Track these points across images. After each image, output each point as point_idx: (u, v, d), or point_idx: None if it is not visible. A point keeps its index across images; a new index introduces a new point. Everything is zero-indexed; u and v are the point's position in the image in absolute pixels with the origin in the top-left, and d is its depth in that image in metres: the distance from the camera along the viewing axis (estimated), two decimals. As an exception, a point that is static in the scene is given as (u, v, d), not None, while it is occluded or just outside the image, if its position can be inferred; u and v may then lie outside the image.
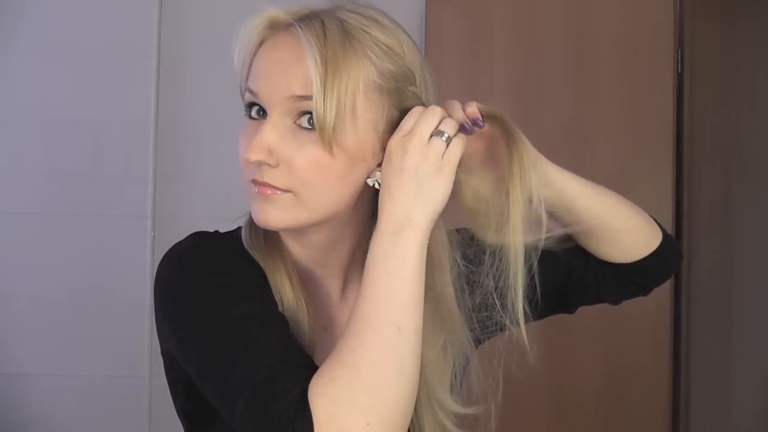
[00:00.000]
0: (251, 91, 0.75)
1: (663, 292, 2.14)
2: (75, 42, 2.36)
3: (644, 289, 0.98)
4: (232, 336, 0.69)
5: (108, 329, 2.30)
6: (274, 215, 0.74)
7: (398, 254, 0.69)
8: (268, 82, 0.73)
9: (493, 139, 0.81)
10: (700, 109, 2.19)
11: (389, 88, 0.74)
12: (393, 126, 0.75)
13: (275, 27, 0.76)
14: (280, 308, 0.77)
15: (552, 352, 2.15)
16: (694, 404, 2.15)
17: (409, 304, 0.68)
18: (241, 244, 0.80)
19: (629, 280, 0.95)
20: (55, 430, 2.32)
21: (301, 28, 0.72)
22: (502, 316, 0.78)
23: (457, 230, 0.84)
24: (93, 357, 2.31)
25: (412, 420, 0.74)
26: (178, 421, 0.85)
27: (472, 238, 0.82)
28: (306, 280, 0.83)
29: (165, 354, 0.80)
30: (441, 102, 0.78)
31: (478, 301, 0.81)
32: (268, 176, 0.73)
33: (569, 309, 0.98)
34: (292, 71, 0.72)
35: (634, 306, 2.31)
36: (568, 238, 0.93)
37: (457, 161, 0.73)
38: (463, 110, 0.77)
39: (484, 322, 0.83)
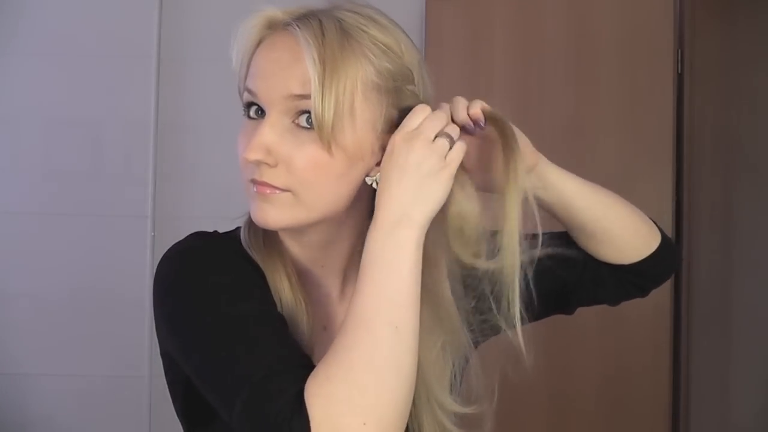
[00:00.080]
0: (250, 91, 0.75)
1: (663, 292, 2.14)
2: (75, 42, 2.36)
3: (642, 291, 0.98)
4: (230, 336, 0.69)
5: (108, 329, 2.30)
6: (273, 215, 0.74)
7: (395, 251, 0.69)
8: (266, 81, 0.73)
9: (487, 140, 0.81)
10: (700, 109, 2.19)
11: (387, 87, 0.74)
12: (391, 125, 0.76)
13: (273, 27, 0.76)
14: (279, 308, 0.77)
15: (552, 352, 2.15)
16: (694, 404, 2.15)
17: (405, 303, 0.68)
18: (240, 244, 0.80)
19: (627, 281, 0.95)
20: (55, 430, 2.32)
21: (299, 28, 0.72)
22: (498, 320, 0.78)
23: None
24: (93, 357, 2.31)
25: (410, 419, 0.74)
26: (178, 421, 0.85)
27: None
28: (305, 280, 0.83)
29: (164, 354, 0.80)
30: (446, 99, 0.78)
31: (473, 305, 0.81)
32: (267, 176, 0.73)
33: (568, 310, 0.98)
34: (291, 71, 0.72)
35: (634, 306, 2.31)
36: (567, 238, 0.93)
37: (458, 165, 0.73)
38: (468, 109, 0.77)
39: (480, 325, 0.82)
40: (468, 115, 0.77)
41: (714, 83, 2.22)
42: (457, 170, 0.74)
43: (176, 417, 0.85)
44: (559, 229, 0.94)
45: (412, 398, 0.67)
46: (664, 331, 2.16)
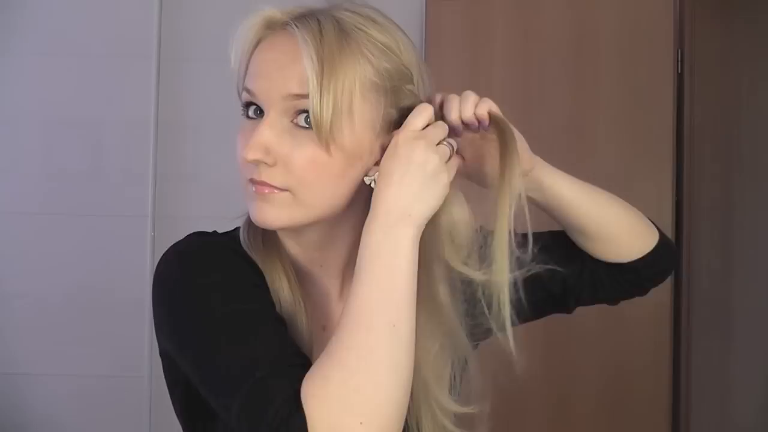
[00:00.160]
0: (248, 91, 0.75)
1: (663, 292, 2.14)
2: (75, 42, 2.36)
3: (641, 289, 0.98)
4: (228, 336, 0.69)
5: (108, 329, 2.30)
6: (272, 214, 0.74)
7: (394, 248, 0.69)
8: (265, 81, 0.73)
9: (487, 136, 0.81)
10: (700, 109, 2.19)
11: (386, 87, 0.74)
12: (390, 125, 0.76)
13: (272, 26, 0.76)
14: (278, 308, 0.77)
15: (552, 352, 2.15)
16: (694, 404, 2.15)
17: (403, 301, 0.68)
18: (240, 243, 0.80)
19: (625, 280, 0.95)
20: (55, 430, 2.31)
21: (297, 27, 0.72)
22: (489, 322, 0.78)
23: None
24: (93, 357, 2.31)
25: (409, 418, 0.74)
26: (178, 421, 0.85)
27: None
28: (304, 280, 0.83)
29: (164, 354, 0.80)
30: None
31: (465, 308, 0.81)
32: (266, 175, 0.73)
33: (567, 309, 0.99)
34: (289, 70, 0.72)
35: (634, 306, 2.31)
36: (565, 238, 0.94)
37: (454, 172, 0.75)
38: (476, 107, 0.77)
39: (473, 329, 0.82)
40: (474, 113, 0.77)
41: (714, 83, 2.22)
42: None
43: (176, 417, 0.85)
44: (557, 228, 0.94)
45: (409, 397, 0.67)
46: (664, 331, 2.16)
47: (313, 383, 0.63)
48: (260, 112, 0.75)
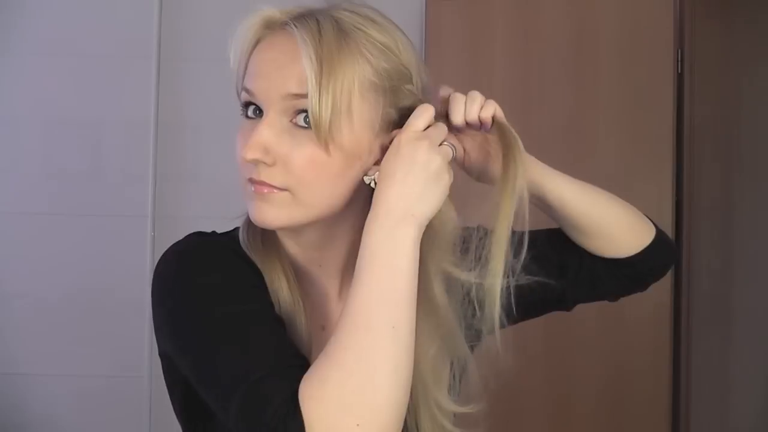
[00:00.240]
0: (247, 91, 0.75)
1: (663, 292, 2.14)
2: (75, 42, 2.36)
3: (640, 284, 0.98)
4: (227, 337, 0.69)
5: (108, 329, 2.30)
6: (271, 214, 0.74)
7: (396, 248, 0.69)
8: (264, 81, 0.73)
9: (488, 138, 0.82)
10: (700, 109, 2.19)
11: (385, 86, 0.74)
12: (389, 125, 0.76)
13: (271, 26, 0.76)
14: (277, 308, 0.77)
15: (552, 352, 2.16)
16: (694, 404, 2.15)
17: (403, 301, 0.67)
18: (239, 243, 0.80)
19: (624, 275, 0.95)
20: (55, 430, 2.31)
21: (296, 27, 0.72)
22: (480, 324, 0.78)
23: None
24: (93, 357, 2.31)
25: (408, 419, 0.74)
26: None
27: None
28: (303, 280, 0.83)
29: (163, 355, 0.80)
30: (462, 92, 0.79)
31: (463, 308, 0.81)
32: (265, 175, 0.73)
33: (566, 307, 0.98)
34: (288, 70, 0.72)
35: (634, 306, 2.32)
36: (562, 235, 0.94)
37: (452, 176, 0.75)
38: (480, 109, 0.78)
39: (466, 331, 0.82)
40: (479, 116, 0.78)
41: (714, 83, 2.21)
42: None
43: (176, 417, 0.85)
44: (552, 226, 0.94)
45: (408, 399, 0.66)
46: (664, 331, 2.16)
47: (311, 384, 0.63)
48: (259, 111, 0.75)
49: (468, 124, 0.78)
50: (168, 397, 0.84)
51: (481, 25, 2.27)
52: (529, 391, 2.15)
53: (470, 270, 0.78)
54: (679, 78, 2.20)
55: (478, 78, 2.22)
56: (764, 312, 2.13)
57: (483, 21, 2.27)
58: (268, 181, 0.73)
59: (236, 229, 0.83)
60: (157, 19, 2.36)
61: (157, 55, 2.36)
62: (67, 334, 2.31)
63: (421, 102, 0.77)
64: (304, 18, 0.73)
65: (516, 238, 0.78)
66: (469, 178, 0.85)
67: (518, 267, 0.78)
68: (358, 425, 0.62)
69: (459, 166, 0.79)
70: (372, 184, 0.76)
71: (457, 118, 0.78)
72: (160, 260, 0.77)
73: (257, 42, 0.76)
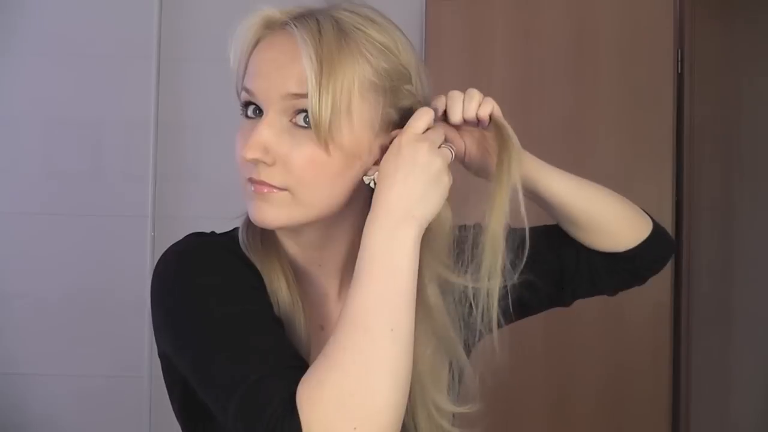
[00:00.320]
0: (247, 90, 0.75)
1: (663, 292, 2.14)
2: (75, 42, 2.36)
3: (638, 278, 0.98)
4: (225, 338, 0.69)
5: (108, 329, 2.30)
6: (271, 213, 0.74)
7: (396, 250, 0.68)
8: (264, 80, 0.73)
9: (485, 134, 0.82)
10: (700, 109, 2.19)
11: (385, 86, 0.74)
12: (389, 125, 0.76)
13: (271, 26, 0.76)
14: (276, 308, 0.77)
15: (552, 352, 2.16)
16: (694, 404, 2.15)
17: (403, 303, 0.67)
18: (238, 244, 0.80)
19: (622, 269, 0.95)
20: (55, 430, 2.31)
21: (296, 27, 0.72)
22: (477, 323, 0.78)
23: None
24: (93, 357, 2.31)
25: (407, 419, 0.74)
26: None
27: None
28: (303, 280, 0.83)
29: (162, 355, 0.80)
30: (457, 84, 0.80)
31: (460, 309, 0.81)
32: (265, 174, 0.73)
33: (565, 303, 0.98)
34: (288, 69, 0.72)
35: (634, 306, 2.32)
36: (559, 231, 0.94)
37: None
38: (479, 107, 0.78)
39: (463, 330, 0.82)
40: (477, 114, 0.78)
41: (714, 83, 2.22)
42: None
43: (175, 417, 0.85)
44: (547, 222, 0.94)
45: (406, 401, 0.66)
46: (664, 331, 2.16)
47: (309, 386, 0.63)
48: (259, 111, 0.75)
49: (466, 121, 0.79)
50: (168, 397, 0.84)
51: (481, 25, 2.27)
52: (529, 391, 2.15)
53: (465, 271, 0.78)
54: (679, 78, 2.20)
55: (478, 78, 2.22)
56: (764, 312, 2.13)
57: (483, 21, 2.27)
58: (267, 180, 0.73)
59: (235, 230, 0.83)
60: (157, 19, 2.36)
61: (157, 55, 2.36)
62: (67, 334, 2.31)
63: (420, 103, 0.78)
64: (304, 18, 0.73)
65: (517, 237, 0.78)
66: (467, 177, 0.85)
67: (519, 266, 0.78)
68: (355, 428, 0.62)
69: (459, 161, 0.79)
70: (371, 184, 0.76)
71: (455, 115, 0.78)
72: (159, 261, 0.77)
73: (257, 42, 0.76)
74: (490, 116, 0.79)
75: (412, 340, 0.67)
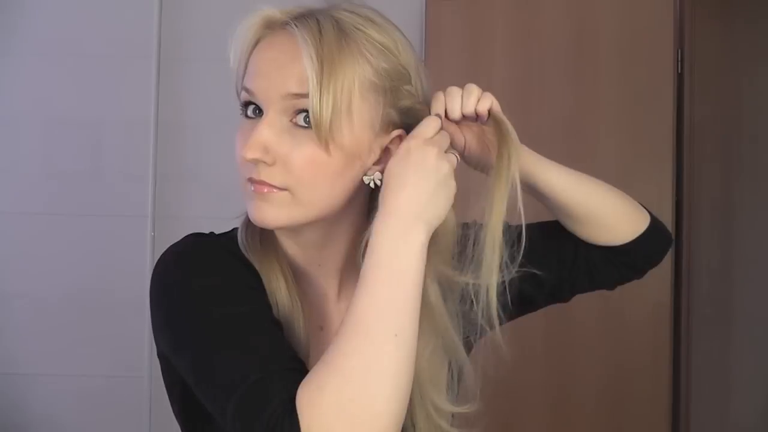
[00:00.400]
0: (247, 90, 0.75)
1: (663, 292, 2.14)
2: (75, 42, 2.36)
3: (637, 272, 0.98)
4: (224, 339, 0.69)
5: (108, 329, 2.30)
6: (271, 213, 0.74)
7: (406, 254, 0.68)
8: (264, 80, 0.73)
9: (483, 128, 0.82)
10: (700, 109, 2.19)
11: (385, 86, 0.74)
12: (389, 125, 0.76)
13: (271, 26, 0.76)
14: (275, 309, 0.77)
15: (552, 352, 2.15)
16: (694, 404, 2.15)
17: (408, 308, 0.67)
18: (237, 244, 0.80)
19: (620, 262, 0.95)
20: (55, 430, 2.32)
21: (296, 27, 0.72)
22: (479, 319, 0.78)
23: None
24: (93, 357, 2.31)
25: (405, 420, 0.74)
26: (177, 421, 0.85)
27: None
28: (302, 280, 0.83)
29: (161, 356, 0.80)
30: (457, 84, 0.80)
31: (459, 307, 0.81)
32: (265, 174, 0.73)
33: (564, 298, 0.98)
34: (288, 69, 0.72)
35: (634, 306, 2.32)
36: (558, 226, 0.94)
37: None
38: (477, 102, 0.78)
39: (463, 329, 0.82)
40: (475, 109, 0.78)
41: (714, 83, 2.21)
42: None
43: (175, 418, 0.85)
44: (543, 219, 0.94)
45: (407, 406, 0.66)
46: (664, 331, 2.16)
47: (309, 391, 0.63)
48: (259, 111, 0.75)
49: (464, 117, 0.79)
50: (167, 397, 0.84)
51: (481, 25, 2.27)
52: (529, 391, 2.15)
53: (466, 270, 0.78)
54: (679, 78, 2.19)
55: (478, 78, 2.18)
56: (764, 312, 2.13)
57: (483, 21, 2.27)
58: (267, 180, 0.73)
59: (234, 230, 0.83)
60: (157, 19, 2.36)
61: (157, 55, 2.36)
62: (67, 334, 2.31)
63: (420, 103, 0.78)
64: (305, 18, 0.73)
65: (514, 233, 0.78)
66: (467, 176, 0.85)
67: (516, 262, 0.78)
68: None
69: (458, 155, 0.79)
70: (371, 184, 0.76)
71: (454, 111, 0.78)
72: (158, 261, 0.77)
73: (257, 42, 0.76)
74: (489, 111, 0.79)
75: (415, 345, 0.67)
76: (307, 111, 0.71)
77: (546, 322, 2.09)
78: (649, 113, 2.19)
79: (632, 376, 2.16)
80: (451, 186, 0.73)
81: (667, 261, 2.11)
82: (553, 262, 0.93)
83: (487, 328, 0.79)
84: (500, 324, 0.78)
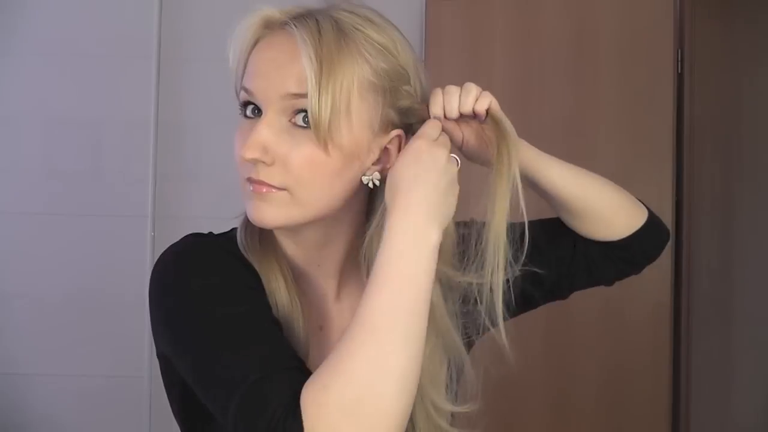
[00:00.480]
0: (246, 90, 0.75)
1: (663, 292, 2.14)
2: (75, 42, 2.36)
3: (635, 267, 0.98)
4: (224, 339, 0.69)
5: (108, 329, 2.30)
6: (270, 213, 0.74)
7: (418, 254, 0.68)
8: (263, 80, 0.73)
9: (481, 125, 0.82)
10: (699, 109, 2.19)
11: (384, 87, 0.74)
12: (388, 125, 0.76)
13: (270, 26, 0.76)
14: (274, 309, 0.77)
15: (552, 352, 2.15)
16: (694, 404, 2.15)
17: (418, 309, 0.67)
18: (236, 244, 0.80)
19: (618, 257, 0.95)
20: (55, 430, 2.32)
21: (296, 27, 0.72)
22: (482, 318, 0.78)
23: None
24: (93, 357, 2.31)
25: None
26: (176, 421, 0.85)
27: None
28: (301, 280, 0.83)
29: (161, 356, 0.79)
30: (459, 84, 0.80)
31: (458, 306, 0.81)
32: (264, 174, 0.73)
33: (563, 295, 0.99)
34: (287, 69, 0.72)
35: (634, 306, 2.31)
36: (558, 223, 0.94)
37: None
38: (476, 101, 0.79)
39: (465, 330, 0.82)
40: (473, 108, 0.78)
41: (714, 83, 2.21)
42: None
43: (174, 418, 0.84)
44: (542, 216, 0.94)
45: (412, 406, 0.66)
46: (664, 331, 2.16)
47: (315, 390, 0.63)
48: (258, 111, 0.75)
49: (462, 115, 0.79)
50: (167, 397, 0.84)
51: (481, 25, 2.27)
52: (529, 391, 2.15)
53: (469, 270, 0.78)
54: (679, 78, 2.19)
55: (478, 78, 2.18)
56: (764, 312, 2.13)
57: (483, 21, 2.27)
58: (266, 180, 0.73)
59: (233, 230, 0.83)
60: (157, 19, 2.36)
61: (157, 55, 2.36)
62: (67, 334, 2.31)
63: (419, 103, 0.78)
64: (304, 18, 0.73)
65: (517, 232, 0.78)
66: (467, 175, 0.85)
67: (520, 259, 0.78)
68: None
69: (456, 149, 0.80)
70: (370, 185, 0.76)
71: (452, 111, 0.78)
72: (157, 261, 0.77)
73: (256, 41, 0.76)
74: (487, 111, 0.79)
75: (423, 346, 0.67)
76: (306, 111, 0.71)
77: (546, 322, 2.09)
78: (649, 113, 2.19)
79: (632, 376, 2.16)
80: (457, 188, 0.74)
81: (667, 261, 2.13)
82: (553, 258, 0.93)
83: (490, 327, 0.79)
84: (504, 320, 0.78)
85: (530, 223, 0.78)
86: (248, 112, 0.76)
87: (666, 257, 2.12)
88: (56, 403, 2.31)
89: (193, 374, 0.71)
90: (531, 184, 0.88)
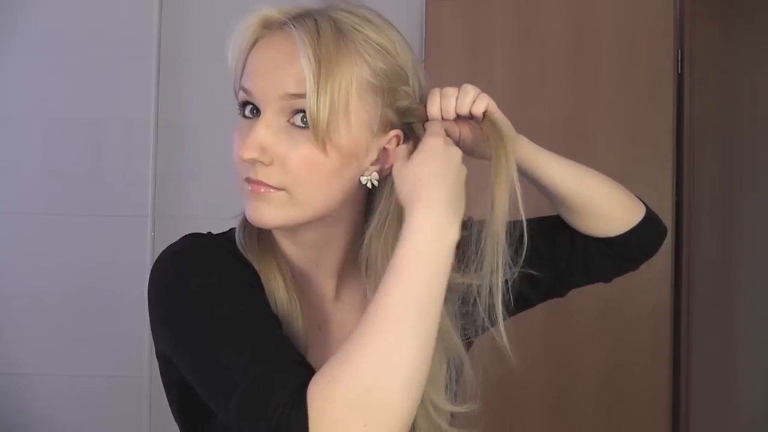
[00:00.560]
0: (245, 90, 0.75)
1: (663, 292, 2.14)
2: (75, 42, 2.36)
3: (632, 263, 0.98)
4: (224, 337, 0.69)
5: (108, 329, 2.30)
6: (268, 213, 0.74)
7: (439, 249, 0.68)
8: (261, 80, 0.73)
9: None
10: (699, 109, 2.19)
11: (383, 87, 0.74)
12: (387, 125, 0.76)
13: (269, 26, 0.76)
14: (273, 308, 0.77)
15: (552, 352, 2.15)
16: (694, 404, 2.15)
17: (431, 308, 0.66)
18: (235, 244, 0.80)
19: (616, 253, 0.95)
20: (55, 430, 2.32)
21: (294, 27, 0.72)
22: (481, 318, 0.78)
23: None
24: (93, 357, 2.31)
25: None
26: (176, 421, 0.85)
27: None
28: (300, 280, 0.83)
29: (160, 356, 0.79)
30: (457, 84, 0.80)
31: (458, 306, 0.81)
32: (262, 174, 0.73)
33: (561, 292, 0.99)
34: (286, 69, 0.72)
35: (634, 306, 2.32)
36: (558, 220, 0.95)
37: None
38: (473, 103, 0.79)
39: (464, 330, 0.82)
40: (470, 111, 0.79)
41: (714, 83, 2.21)
42: None
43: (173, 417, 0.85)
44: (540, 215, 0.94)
45: (419, 402, 0.65)
46: (664, 331, 2.16)
47: (323, 382, 0.62)
48: (257, 111, 0.75)
49: (459, 117, 0.79)
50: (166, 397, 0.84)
51: (481, 25, 2.27)
52: (529, 391, 2.15)
53: (467, 271, 0.78)
54: (679, 78, 2.19)
55: (478, 78, 2.19)
56: (764, 312, 2.13)
57: (483, 21, 2.27)
58: (265, 180, 0.73)
59: (232, 230, 0.83)
60: (157, 19, 2.36)
61: (157, 55, 2.36)
62: (67, 334, 2.31)
63: (418, 103, 0.78)
64: (303, 18, 0.73)
65: (516, 230, 0.78)
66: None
67: (520, 258, 0.78)
68: (365, 425, 0.61)
69: (454, 143, 0.79)
70: (369, 185, 0.76)
71: (449, 113, 0.78)
72: (156, 261, 0.77)
73: (255, 42, 0.76)
74: (485, 114, 0.79)
75: (433, 343, 0.66)
76: (304, 111, 0.71)
77: (546, 322, 2.09)
78: (649, 113, 2.19)
79: (632, 376, 2.16)
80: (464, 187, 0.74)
81: (667, 261, 2.13)
82: (551, 256, 0.93)
83: (490, 328, 0.79)
84: (503, 320, 0.78)
85: (528, 221, 0.78)
86: (247, 112, 0.76)
87: (666, 257, 2.12)
88: (56, 403, 2.31)
89: (194, 373, 0.71)
90: (532, 180, 0.88)
